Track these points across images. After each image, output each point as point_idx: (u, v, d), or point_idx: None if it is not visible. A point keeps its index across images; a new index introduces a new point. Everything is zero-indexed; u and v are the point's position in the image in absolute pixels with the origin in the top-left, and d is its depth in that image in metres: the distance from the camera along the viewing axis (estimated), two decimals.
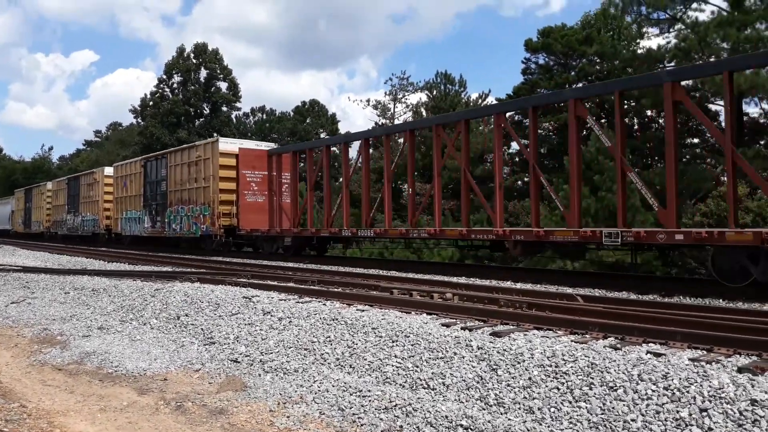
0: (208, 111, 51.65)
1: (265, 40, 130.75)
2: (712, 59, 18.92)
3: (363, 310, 8.00)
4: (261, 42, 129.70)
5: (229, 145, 22.46)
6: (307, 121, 56.40)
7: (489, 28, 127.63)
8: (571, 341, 5.86)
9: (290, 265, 15.77)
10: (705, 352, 5.26)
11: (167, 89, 51.35)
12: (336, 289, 10.02)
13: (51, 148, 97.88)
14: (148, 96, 51.46)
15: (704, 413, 4.17)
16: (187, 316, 9.11)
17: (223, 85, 52.04)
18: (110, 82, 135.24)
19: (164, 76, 51.49)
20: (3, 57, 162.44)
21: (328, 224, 18.65)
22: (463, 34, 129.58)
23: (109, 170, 31.77)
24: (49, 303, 11.70)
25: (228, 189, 21.62)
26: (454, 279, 11.67)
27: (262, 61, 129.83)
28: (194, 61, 51.06)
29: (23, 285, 14.15)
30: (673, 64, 20.68)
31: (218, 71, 51.73)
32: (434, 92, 38.04)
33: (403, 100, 42.11)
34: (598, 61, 27.18)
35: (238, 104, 53.47)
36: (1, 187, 74.80)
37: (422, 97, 40.29)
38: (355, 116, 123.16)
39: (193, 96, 50.00)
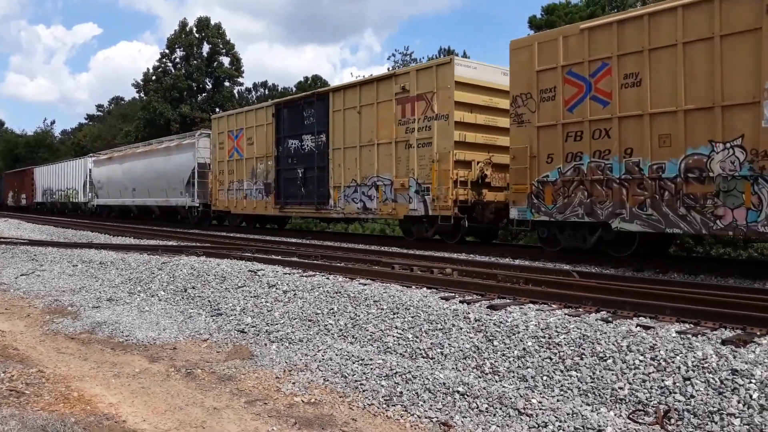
0: (210, 86, 51.53)
1: (268, 12, 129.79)
2: None
3: (365, 284, 8.24)
4: (263, 15, 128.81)
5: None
6: None
7: (495, 4, 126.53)
8: (565, 314, 6.09)
9: (293, 240, 16.01)
10: (692, 326, 5.48)
11: (170, 64, 51.18)
12: (339, 264, 10.25)
13: (53, 122, 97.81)
14: (151, 70, 51.29)
15: (687, 382, 4.41)
16: (194, 288, 9.36)
17: (226, 60, 51.82)
18: (112, 55, 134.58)
19: (167, 51, 51.27)
20: (3, 29, 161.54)
21: None
22: (469, 8, 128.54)
23: None
24: (58, 275, 11.97)
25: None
26: (455, 255, 11.89)
27: (264, 35, 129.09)
28: (197, 35, 50.80)
29: (31, 258, 14.42)
30: None
31: (221, 46, 51.46)
32: None
33: None
34: None
35: (240, 79, 53.28)
36: (3, 161, 74.66)
37: None
38: None
39: (196, 71, 49.82)
